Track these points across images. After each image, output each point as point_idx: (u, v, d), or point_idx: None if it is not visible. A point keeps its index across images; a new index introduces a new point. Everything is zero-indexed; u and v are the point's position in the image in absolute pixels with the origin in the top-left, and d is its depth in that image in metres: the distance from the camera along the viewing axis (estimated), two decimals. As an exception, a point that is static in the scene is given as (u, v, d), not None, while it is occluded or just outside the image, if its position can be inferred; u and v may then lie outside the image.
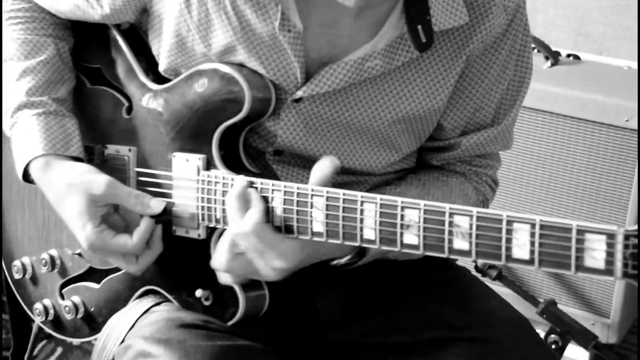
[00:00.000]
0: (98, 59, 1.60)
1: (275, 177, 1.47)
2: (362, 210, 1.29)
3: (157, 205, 1.46)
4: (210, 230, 1.46)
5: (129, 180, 1.54)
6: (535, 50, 2.66)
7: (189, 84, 1.47)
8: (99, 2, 1.51)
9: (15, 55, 1.57)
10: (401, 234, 1.26)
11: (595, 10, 3.12)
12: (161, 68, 1.52)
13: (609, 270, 1.10)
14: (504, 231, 1.17)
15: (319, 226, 1.33)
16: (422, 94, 1.48)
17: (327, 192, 1.31)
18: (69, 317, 1.64)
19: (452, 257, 1.24)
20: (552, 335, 2.40)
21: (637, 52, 2.93)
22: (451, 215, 1.22)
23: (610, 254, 1.10)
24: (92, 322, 1.62)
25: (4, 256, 1.76)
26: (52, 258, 1.66)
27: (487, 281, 2.34)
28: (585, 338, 2.39)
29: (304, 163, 1.52)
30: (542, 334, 2.33)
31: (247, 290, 1.44)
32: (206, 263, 1.45)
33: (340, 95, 1.45)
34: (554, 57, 2.69)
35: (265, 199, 1.34)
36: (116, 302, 1.57)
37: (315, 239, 1.34)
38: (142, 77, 1.54)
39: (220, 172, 1.43)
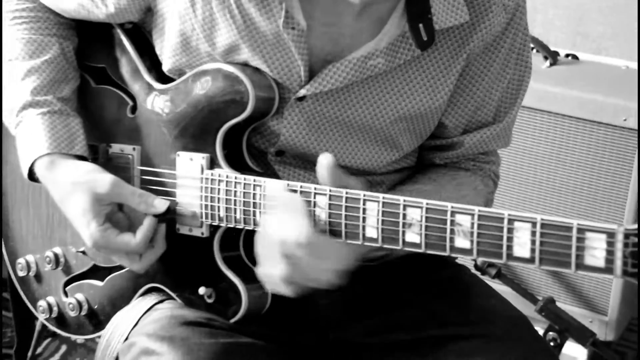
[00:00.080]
0: (103, 58, 1.61)
1: (276, 177, 1.48)
2: (364, 209, 1.29)
3: (160, 204, 1.47)
4: (214, 229, 1.46)
5: (132, 178, 1.54)
6: (535, 50, 2.67)
7: (193, 84, 1.47)
8: (104, 2, 1.51)
9: (20, 54, 1.57)
10: (403, 232, 1.27)
11: (594, 11, 3.12)
12: (165, 68, 1.52)
13: (609, 269, 1.11)
14: (505, 230, 1.18)
15: (321, 225, 1.34)
16: (424, 92, 1.48)
17: (330, 191, 1.32)
18: (72, 314, 1.65)
19: (454, 255, 1.25)
20: (551, 333, 2.40)
21: (636, 53, 2.93)
22: (453, 214, 1.22)
23: (610, 253, 1.10)
24: (96, 319, 1.63)
25: (8, 254, 1.76)
26: (56, 256, 1.66)
27: (486, 279, 2.35)
28: (583, 335, 2.39)
29: (304, 164, 1.53)
30: (540, 332, 2.34)
31: (250, 287, 1.45)
32: (209, 261, 1.46)
33: (343, 93, 1.46)
34: (552, 57, 2.69)
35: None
36: (120, 300, 1.58)
37: (317, 237, 1.35)
38: (147, 77, 1.54)
39: (224, 171, 1.43)
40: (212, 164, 1.45)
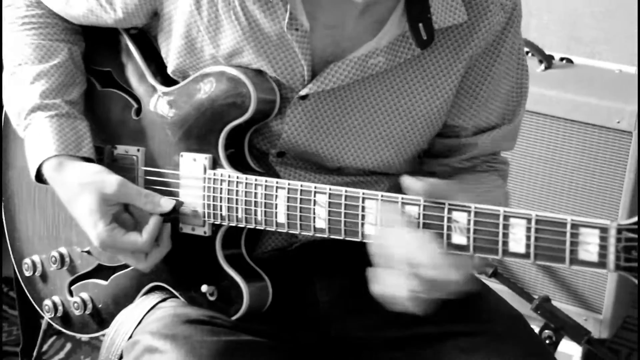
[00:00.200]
0: (108, 62, 1.61)
1: (277, 177, 1.49)
2: (363, 207, 1.31)
3: (167, 203, 1.47)
4: (216, 228, 1.47)
5: (137, 179, 1.54)
6: (530, 54, 2.67)
7: (196, 86, 1.48)
8: (112, 7, 1.52)
9: (29, 59, 1.58)
10: None
11: (588, 16, 3.12)
12: (169, 69, 1.53)
13: (602, 263, 1.12)
14: (500, 226, 1.19)
15: (321, 223, 1.35)
16: (424, 91, 1.49)
17: (330, 189, 1.33)
18: (77, 313, 1.65)
19: (450, 251, 1.25)
20: (546, 331, 2.40)
21: (629, 56, 2.94)
22: (450, 211, 1.23)
23: (603, 247, 1.11)
24: (100, 318, 1.63)
25: (14, 254, 1.76)
26: (61, 256, 1.66)
27: (483, 278, 2.36)
28: (578, 333, 2.39)
29: (305, 165, 1.54)
30: (536, 330, 2.34)
31: (251, 285, 1.46)
32: (211, 259, 1.47)
33: (344, 92, 1.47)
34: (547, 60, 2.70)
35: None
36: (124, 299, 1.58)
37: (318, 235, 1.36)
38: (151, 80, 1.55)
39: (226, 171, 1.44)
40: (215, 164, 1.46)
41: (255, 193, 1.41)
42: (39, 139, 1.53)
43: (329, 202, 1.33)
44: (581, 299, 2.62)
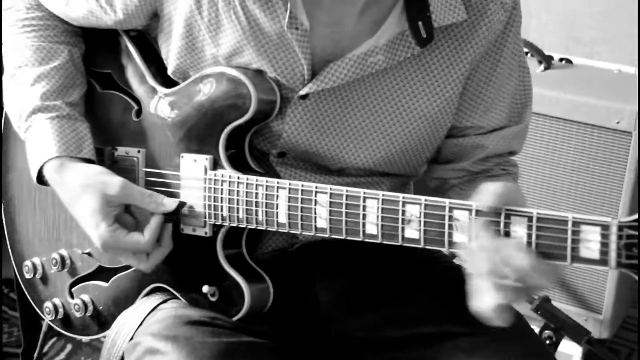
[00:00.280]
0: (108, 64, 1.62)
1: (278, 177, 1.49)
2: (364, 207, 1.31)
3: (170, 203, 1.48)
4: (217, 228, 1.47)
5: (137, 180, 1.54)
6: (529, 55, 2.67)
7: (196, 87, 1.48)
8: (113, 8, 1.52)
9: (30, 61, 1.58)
10: (402, 228, 1.28)
11: (587, 16, 3.13)
12: (170, 70, 1.53)
13: (603, 260, 1.12)
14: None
15: (322, 222, 1.35)
16: (424, 90, 1.50)
17: (331, 189, 1.33)
18: (78, 315, 1.65)
19: (452, 250, 1.25)
20: (547, 331, 2.41)
21: (628, 56, 2.95)
22: (451, 209, 1.23)
23: (604, 245, 1.11)
24: (101, 319, 1.63)
25: (15, 256, 1.76)
26: (62, 258, 1.66)
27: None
28: (578, 333, 2.40)
29: (306, 166, 1.54)
30: (536, 330, 2.34)
31: (252, 285, 1.46)
32: (212, 260, 1.47)
33: (344, 91, 1.47)
34: (547, 61, 2.71)
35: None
36: (124, 300, 1.58)
37: (319, 234, 1.36)
38: (151, 82, 1.55)
39: (227, 171, 1.44)
40: (216, 165, 1.46)
41: (256, 193, 1.41)
42: (40, 140, 1.53)
43: (330, 202, 1.33)
44: (581, 299, 2.62)
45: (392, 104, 1.49)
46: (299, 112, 1.48)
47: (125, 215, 1.50)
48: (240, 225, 1.44)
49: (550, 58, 2.74)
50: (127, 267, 1.57)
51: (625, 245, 1.09)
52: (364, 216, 1.31)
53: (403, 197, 1.27)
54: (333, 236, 1.35)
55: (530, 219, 1.17)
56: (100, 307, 1.63)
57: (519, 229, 1.17)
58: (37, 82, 1.56)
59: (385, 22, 1.45)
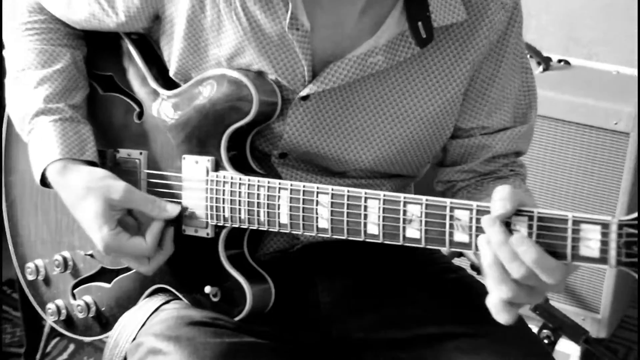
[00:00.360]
0: (110, 67, 1.62)
1: (279, 178, 1.49)
2: (365, 207, 1.31)
3: (173, 209, 1.48)
4: (218, 229, 1.47)
5: (139, 182, 1.55)
6: (528, 56, 2.68)
7: (197, 89, 1.48)
8: (115, 10, 1.53)
9: (33, 64, 1.58)
10: (404, 228, 1.28)
11: (585, 18, 3.13)
12: (172, 72, 1.53)
13: (603, 259, 1.12)
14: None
15: (324, 223, 1.35)
16: (426, 90, 1.50)
17: (332, 189, 1.33)
18: (80, 316, 1.65)
19: (453, 249, 1.25)
20: (545, 331, 2.41)
21: (626, 58, 2.96)
22: (452, 209, 1.23)
23: (604, 243, 1.11)
24: (103, 320, 1.63)
25: (17, 258, 1.76)
26: (64, 259, 1.66)
27: (482, 279, 2.36)
28: (576, 333, 2.40)
29: (306, 166, 1.54)
30: (535, 329, 2.35)
31: (254, 286, 1.46)
32: (214, 260, 1.47)
33: (345, 91, 1.47)
34: (545, 62, 2.71)
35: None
36: (127, 301, 1.58)
37: (320, 235, 1.36)
38: (153, 84, 1.55)
39: (229, 173, 1.44)
40: (217, 166, 1.46)
41: (258, 194, 1.41)
42: (43, 143, 1.53)
43: (332, 202, 1.33)
44: (579, 299, 2.63)
45: (393, 105, 1.49)
46: (300, 113, 1.48)
47: (128, 218, 1.50)
48: (242, 226, 1.44)
49: (549, 59, 2.74)
50: (129, 269, 1.57)
51: (625, 243, 1.09)
52: (365, 216, 1.31)
53: (404, 197, 1.27)
54: (334, 236, 1.35)
55: (531, 217, 1.16)
56: (103, 308, 1.63)
57: (520, 228, 1.17)
58: (40, 85, 1.57)
59: (385, 23, 1.46)
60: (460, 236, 1.23)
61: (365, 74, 1.46)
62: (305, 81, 1.46)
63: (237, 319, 1.46)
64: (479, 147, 1.58)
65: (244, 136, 1.48)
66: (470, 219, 1.22)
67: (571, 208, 2.56)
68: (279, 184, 1.39)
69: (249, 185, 1.42)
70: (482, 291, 1.61)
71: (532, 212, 1.16)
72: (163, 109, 1.53)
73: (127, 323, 1.53)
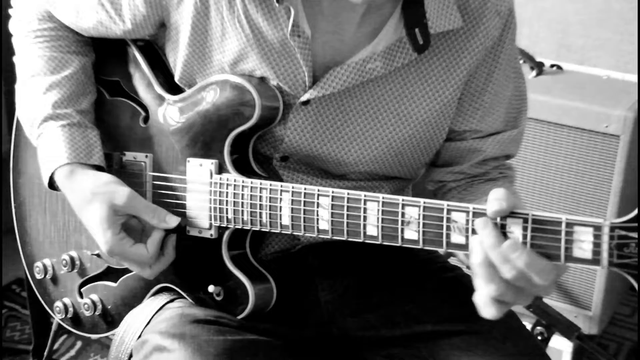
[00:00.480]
0: (117, 72, 1.62)
1: (280, 181, 1.49)
2: (365, 209, 1.31)
3: (172, 220, 1.48)
4: (222, 230, 1.47)
5: (145, 184, 1.55)
6: (522, 61, 2.69)
7: (201, 94, 1.49)
8: (121, 18, 1.53)
9: (42, 71, 1.58)
10: (402, 230, 1.28)
11: (577, 24, 3.14)
12: (176, 77, 1.54)
13: (595, 260, 1.12)
14: (498, 225, 1.19)
15: (324, 224, 1.35)
16: (423, 95, 1.50)
17: (333, 192, 1.34)
18: (87, 314, 1.65)
19: (450, 250, 1.26)
20: (538, 327, 2.42)
21: (624, 63, 2.96)
22: (449, 211, 1.23)
23: (597, 245, 1.12)
24: (109, 318, 1.63)
25: (25, 257, 1.77)
26: (71, 259, 1.67)
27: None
28: (568, 330, 2.40)
29: (307, 169, 1.55)
30: (528, 326, 2.36)
31: (256, 285, 1.46)
32: (218, 261, 1.47)
33: (345, 96, 1.47)
34: (538, 67, 2.71)
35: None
36: (132, 299, 1.58)
37: (321, 236, 1.37)
38: (158, 89, 1.55)
39: (232, 175, 1.45)
40: (221, 169, 1.46)
41: (260, 196, 1.41)
42: (51, 147, 1.53)
43: (332, 204, 1.34)
44: (571, 297, 2.63)
45: (392, 109, 1.50)
46: (300, 118, 1.48)
47: (132, 222, 1.50)
48: (244, 227, 1.44)
49: (542, 64, 2.75)
50: (134, 269, 1.57)
51: (617, 245, 1.10)
52: (365, 218, 1.31)
53: (402, 200, 1.27)
54: (335, 237, 1.35)
55: (525, 220, 1.17)
56: (109, 307, 1.63)
57: (515, 230, 1.18)
58: (49, 91, 1.57)
59: (383, 30, 1.46)
60: (456, 238, 1.24)
61: (364, 79, 1.46)
62: (306, 86, 1.46)
63: (239, 317, 1.47)
64: (470, 150, 1.59)
65: (247, 140, 1.48)
66: (467, 221, 1.22)
67: (563, 208, 2.57)
68: (281, 186, 1.39)
69: (251, 187, 1.42)
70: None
71: (527, 214, 1.17)
72: (168, 114, 1.53)
73: (133, 321, 1.53)
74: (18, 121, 1.71)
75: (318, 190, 1.35)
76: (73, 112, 1.56)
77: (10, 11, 1.68)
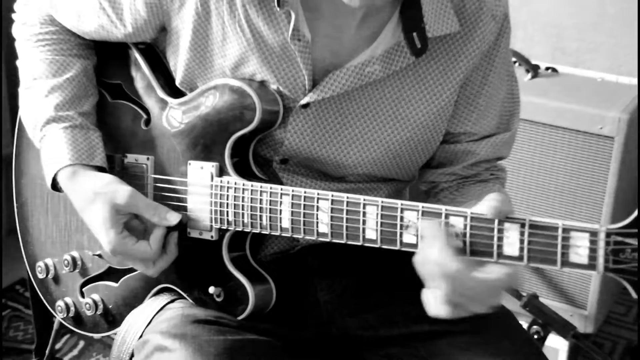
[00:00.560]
0: (119, 75, 1.62)
1: (280, 184, 1.49)
2: (364, 213, 1.31)
3: (173, 217, 1.48)
4: (222, 232, 1.47)
5: (147, 186, 1.55)
6: (517, 64, 2.69)
7: (203, 98, 1.49)
8: (122, 22, 1.53)
9: (44, 74, 1.59)
10: (400, 233, 1.28)
11: (571, 27, 3.14)
12: (178, 81, 1.54)
13: (591, 265, 1.13)
14: (495, 230, 1.19)
15: (324, 228, 1.35)
16: (421, 98, 1.50)
17: (332, 196, 1.34)
18: (89, 313, 1.65)
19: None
20: (535, 326, 2.41)
21: (618, 66, 2.97)
22: (447, 216, 1.24)
23: (593, 250, 1.12)
24: (111, 318, 1.63)
25: (28, 257, 1.77)
26: (73, 259, 1.67)
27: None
28: (564, 328, 2.40)
29: (307, 172, 1.54)
30: (525, 325, 2.35)
31: (256, 286, 1.46)
32: (218, 262, 1.47)
33: (344, 99, 1.48)
34: (533, 70, 2.71)
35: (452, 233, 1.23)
36: (133, 300, 1.58)
37: (320, 239, 1.37)
38: (160, 92, 1.55)
39: (232, 178, 1.45)
40: (221, 172, 1.46)
41: (261, 199, 1.41)
42: (54, 149, 1.54)
43: (332, 208, 1.34)
44: (567, 296, 2.63)
45: (390, 112, 1.50)
46: (300, 121, 1.48)
47: (134, 221, 1.50)
48: (245, 230, 1.44)
49: (537, 67, 2.75)
50: (136, 269, 1.57)
51: (612, 251, 1.10)
52: (364, 222, 1.31)
53: (401, 204, 1.28)
54: (334, 241, 1.35)
55: (522, 225, 1.17)
56: (110, 306, 1.63)
57: (512, 234, 1.18)
58: (51, 94, 1.57)
59: (381, 34, 1.46)
60: (454, 242, 1.23)
61: (363, 82, 1.46)
62: (306, 90, 1.46)
63: (240, 317, 1.47)
64: (464, 152, 1.59)
65: (247, 143, 1.48)
66: (465, 225, 1.22)
67: (558, 209, 2.57)
68: (281, 189, 1.39)
69: (252, 190, 1.42)
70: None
71: (524, 219, 1.17)
72: (169, 117, 1.53)
73: (134, 321, 1.53)
74: (20, 123, 1.71)
75: (318, 194, 1.35)
76: (75, 114, 1.56)
77: (13, 16, 1.68)
